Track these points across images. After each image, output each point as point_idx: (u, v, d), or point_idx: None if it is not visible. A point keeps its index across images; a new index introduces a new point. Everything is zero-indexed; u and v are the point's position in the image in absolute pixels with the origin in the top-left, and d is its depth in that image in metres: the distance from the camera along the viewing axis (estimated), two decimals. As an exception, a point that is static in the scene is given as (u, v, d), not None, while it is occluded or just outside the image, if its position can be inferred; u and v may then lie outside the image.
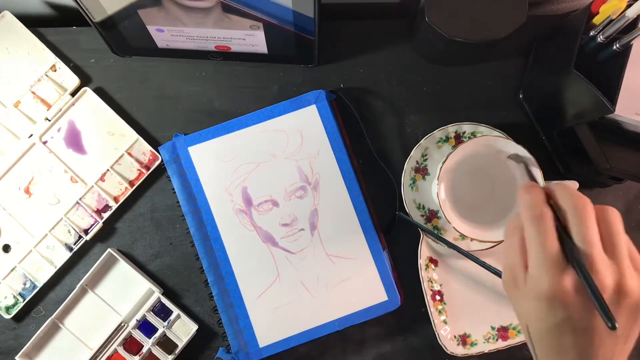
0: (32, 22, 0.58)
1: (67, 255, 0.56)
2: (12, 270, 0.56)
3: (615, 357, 0.32)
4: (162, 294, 0.57)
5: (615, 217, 0.34)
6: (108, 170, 0.57)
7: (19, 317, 0.57)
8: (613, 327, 0.29)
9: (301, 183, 0.57)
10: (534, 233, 0.33)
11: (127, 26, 0.52)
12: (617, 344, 0.32)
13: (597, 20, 0.50)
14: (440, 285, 0.58)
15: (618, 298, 0.32)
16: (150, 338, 0.56)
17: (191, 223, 0.57)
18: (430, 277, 0.57)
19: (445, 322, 0.57)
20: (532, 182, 0.37)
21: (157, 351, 0.56)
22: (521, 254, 0.35)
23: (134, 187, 0.57)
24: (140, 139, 0.58)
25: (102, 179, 0.57)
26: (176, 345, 0.56)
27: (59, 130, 0.58)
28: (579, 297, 0.32)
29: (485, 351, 0.57)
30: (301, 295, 0.56)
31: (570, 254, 0.32)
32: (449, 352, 0.56)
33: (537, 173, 0.48)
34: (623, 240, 0.34)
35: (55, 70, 0.58)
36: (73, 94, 0.58)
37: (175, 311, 0.57)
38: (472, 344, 0.57)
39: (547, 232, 0.33)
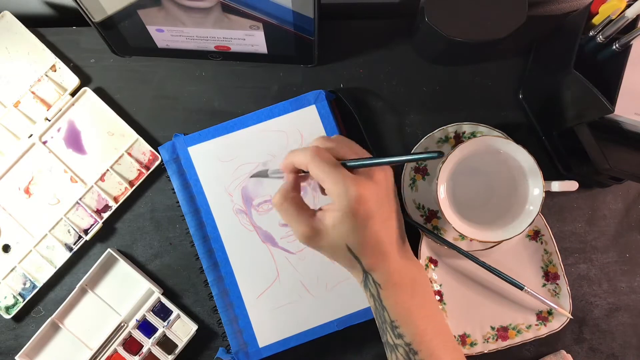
0: (32, 22, 0.58)
1: (67, 255, 0.56)
2: (12, 270, 0.56)
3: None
4: (162, 294, 0.57)
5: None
6: (108, 170, 0.57)
7: (19, 317, 0.57)
8: (440, 155, 0.33)
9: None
10: (317, 162, 0.38)
11: (127, 26, 0.52)
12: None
13: (596, 20, 0.50)
14: (440, 285, 0.58)
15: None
16: (150, 338, 0.56)
17: (191, 223, 0.57)
18: (430, 277, 0.57)
19: (445, 322, 0.57)
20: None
21: (157, 351, 0.56)
22: (303, 209, 0.40)
23: (134, 187, 0.57)
24: (140, 139, 0.58)
25: (102, 179, 0.57)
26: (176, 345, 0.56)
27: (58, 130, 0.58)
28: (372, 188, 0.38)
29: (485, 351, 0.57)
30: (301, 295, 0.56)
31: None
32: (448, 352, 0.56)
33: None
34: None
35: (55, 70, 0.58)
36: (73, 94, 0.58)
37: (175, 311, 0.57)
38: (472, 344, 0.57)
39: (326, 156, 0.39)
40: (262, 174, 0.48)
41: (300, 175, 0.43)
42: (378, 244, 0.39)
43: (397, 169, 0.59)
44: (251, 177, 0.56)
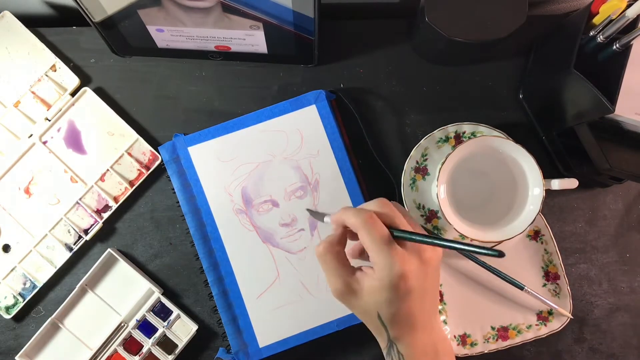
0: (32, 22, 0.58)
1: (67, 255, 0.56)
2: (12, 270, 0.56)
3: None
4: (162, 294, 0.57)
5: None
6: (108, 170, 0.57)
7: (19, 317, 0.57)
8: (501, 255, 0.33)
9: (301, 183, 0.57)
10: (368, 229, 0.38)
11: (127, 26, 0.52)
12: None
13: (597, 20, 0.50)
14: (440, 286, 0.58)
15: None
16: (150, 338, 0.56)
17: (191, 223, 0.57)
18: (430, 277, 0.57)
19: (445, 322, 0.57)
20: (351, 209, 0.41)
21: (157, 351, 0.56)
22: (344, 265, 0.40)
23: (134, 187, 0.57)
24: (140, 139, 0.58)
25: (102, 179, 0.57)
26: (176, 345, 0.56)
27: (58, 130, 0.58)
28: (418, 265, 0.38)
29: (485, 351, 0.57)
30: (301, 295, 0.56)
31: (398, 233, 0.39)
32: (449, 352, 0.56)
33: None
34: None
35: (55, 70, 0.58)
36: (73, 94, 0.58)
37: (175, 311, 0.57)
38: (472, 344, 0.57)
39: (379, 226, 0.38)
40: (319, 217, 0.48)
41: (349, 230, 0.42)
42: (410, 318, 0.39)
43: (399, 170, 0.59)
44: (309, 212, 0.55)
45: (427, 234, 0.39)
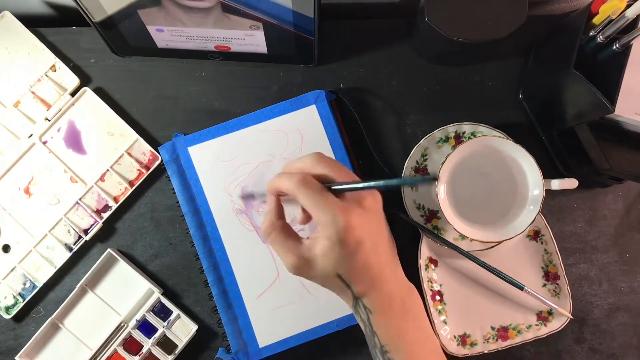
0: (32, 22, 0.58)
1: (67, 255, 0.56)
2: (12, 270, 0.56)
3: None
4: (162, 294, 0.57)
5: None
6: (108, 170, 0.57)
7: (19, 317, 0.57)
8: (435, 178, 0.33)
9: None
10: (304, 191, 0.38)
11: (127, 26, 0.52)
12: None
13: (596, 20, 0.50)
14: (440, 286, 0.58)
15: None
16: (150, 338, 0.56)
17: (191, 223, 0.57)
18: (430, 277, 0.57)
19: (445, 322, 0.57)
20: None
21: (157, 351, 0.56)
22: (291, 237, 0.40)
23: (134, 187, 0.57)
24: (140, 139, 0.58)
25: (102, 179, 0.57)
26: (176, 346, 0.56)
27: (58, 130, 0.58)
28: (360, 214, 0.38)
29: (485, 351, 0.57)
30: (301, 295, 0.56)
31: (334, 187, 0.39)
32: (448, 352, 0.56)
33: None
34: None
35: (55, 70, 0.58)
36: (73, 94, 0.58)
37: (175, 311, 0.57)
38: (472, 344, 0.57)
39: (314, 185, 0.38)
40: (250, 197, 0.48)
41: (283, 198, 0.42)
42: (368, 270, 0.38)
43: (399, 170, 0.59)
44: (241, 197, 0.56)
45: (360, 180, 0.39)
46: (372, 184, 0.37)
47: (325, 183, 0.39)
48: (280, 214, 0.41)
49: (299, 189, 0.38)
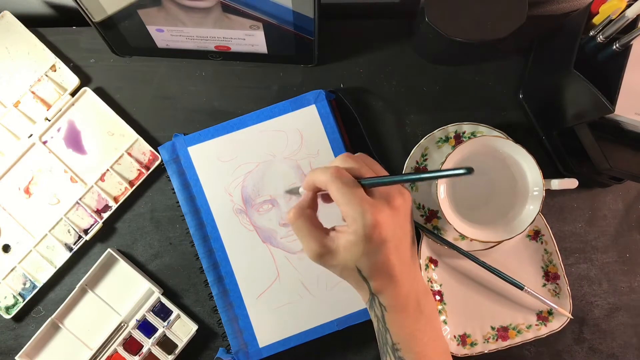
0: (32, 22, 0.58)
1: (67, 255, 0.56)
2: (12, 270, 0.56)
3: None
4: (162, 294, 0.57)
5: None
6: (108, 170, 0.57)
7: (19, 317, 0.57)
8: (470, 171, 0.33)
9: (301, 183, 0.57)
10: (336, 182, 0.38)
11: (127, 26, 0.52)
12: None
13: (597, 20, 0.50)
14: (440, 285, 0.58)
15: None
16: (150, 338, 0.56)
17: (191, 223, 0.57)
18: (430, 277, 0.57)
19: (445, 322, 0.57)
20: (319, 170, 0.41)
21: (157, 351, 0.56)
22: (317, 227, 0.40)
23: (134, 187, 0.57)
24: (140, 139, 0.58)
25: (102, 179, 0.57)
26: (176, 345, 0.56)
27: (58, 130, 0.58)
28: (388, 213, 0.38)
29: (485, 351, 0.57)
30: (301, 295, 0.56)
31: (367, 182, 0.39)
32: (449, 352, 0.56)
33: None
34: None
35: (55, 70, 0.58)
36: (73, 94, 0.58)
37: (175, 311, 0.57)
38: (472, 344, 0.57)
39: (346, 178, 0.38)
40: (296, 192, 0.48)
41: (320, 193, 0.43)
42: (388, 268, 0.39)
43: (399, 170, 0.59)
44: (286, 192, 0.56)
45: (389, 175, 0.39)
46: (400, 178, 0.37)
47: (357, 178, 0.39)
48: (311, 205, 0.42)
49: (332, 181, 0.38)
